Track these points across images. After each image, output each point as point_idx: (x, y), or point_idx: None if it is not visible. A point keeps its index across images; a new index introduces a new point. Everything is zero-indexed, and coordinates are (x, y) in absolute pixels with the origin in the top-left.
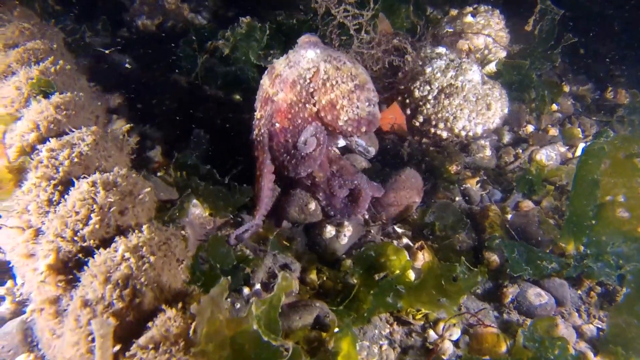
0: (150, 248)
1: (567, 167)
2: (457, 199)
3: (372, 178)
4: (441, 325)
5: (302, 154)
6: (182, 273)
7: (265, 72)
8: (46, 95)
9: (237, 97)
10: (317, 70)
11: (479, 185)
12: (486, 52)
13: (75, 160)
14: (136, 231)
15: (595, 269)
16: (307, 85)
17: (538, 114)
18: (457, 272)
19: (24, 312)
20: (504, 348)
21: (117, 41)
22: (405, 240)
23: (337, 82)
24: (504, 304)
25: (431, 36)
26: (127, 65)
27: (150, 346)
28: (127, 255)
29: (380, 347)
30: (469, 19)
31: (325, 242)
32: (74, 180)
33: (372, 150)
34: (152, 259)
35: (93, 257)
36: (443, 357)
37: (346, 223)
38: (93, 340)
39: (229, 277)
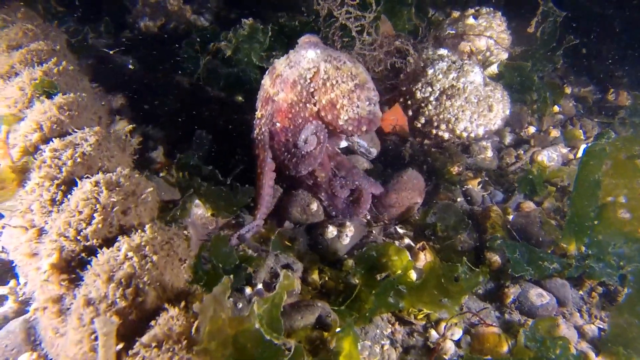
0: (153, 247)
1: (569, 168)
2: (458, 199)
3: (374, 179)
4: (443, 325)
5: (303, 152)
6: (185, 272)
7: (266, 72)
8: (49, 96)
9: (240, 98)
10: (318, 70)
11: (480, 186)
12: (488, 53)
13: (78, 160)
14: (139, 231)
15: (596, 269)
16: (308, 85)
17: (540, 115)
18: (458, 273)
19: (27, 311)
20: (505, 348)
21: (121, 42)
22: (406, 241)
23: (337, 81)
24: (506, 304)
25: (433, 38)
26: (130, 66)
27: (153, 344)
28: (130, 254)
29: (382, 346)
30: (470, 20)
31: (327, 242)
32: (77, 180)
33: (374, 152)
34: (154, 258)
35: (96, 257)
36: (444, 356)
37: (348, 223)
38: (96, 338)
39: (232, 277)
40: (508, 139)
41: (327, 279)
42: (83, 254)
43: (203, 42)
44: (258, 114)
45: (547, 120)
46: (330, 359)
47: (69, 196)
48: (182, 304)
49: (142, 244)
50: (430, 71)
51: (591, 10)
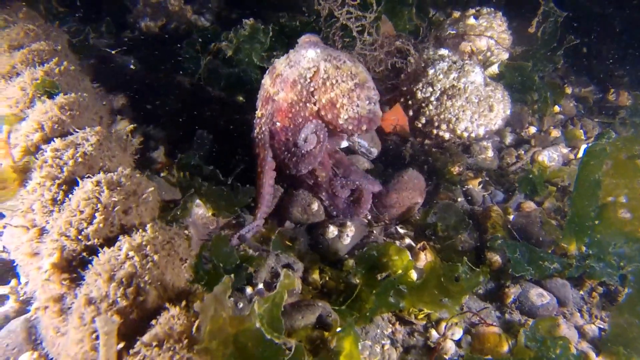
0: (154, 247)
1: (569, 168)
2: (459, 199)
3: (375, 179)
4: (443, 325)
5: (303, 151)
6: (186, 272)
7: (267, 71)
8: (50, 96)
9: (241, 98)
10: (318, 70)
11: (481, 186)
12: (488, 54)
13: (80, 160)
14: (140, 230)
15: (597, 269)
16: (308, 84)
17: (540, 115)
18: (459, 272)
19: (28, 311)
20: (505, 348)
21: (122, 42)
22: (407, 241)
23: (337, 81)
24: (506, 304)
25: (434, 38)
26: (131, 67)
27: (154, 343)
28: (131, 254)
29: (383, 346)
30: (471, 21)
31: (328, 242)
32: (78, 179)
33: (375, 152)
34: (155, 257)
35: (97, 256)
36: (445, 356)
37: (349, 223)
38: (97, 337)
39: (232, 276)
40: (509, 139)
41: (327, 278)
42: (84, 254)
43: (204, 42)
44: (258, 113)
45: (548, 120)
46: (330, 359)
47: (70, 196)
48: (183, 303)
49: (143, 243)
50: (431, 71)
51: (591, 10)
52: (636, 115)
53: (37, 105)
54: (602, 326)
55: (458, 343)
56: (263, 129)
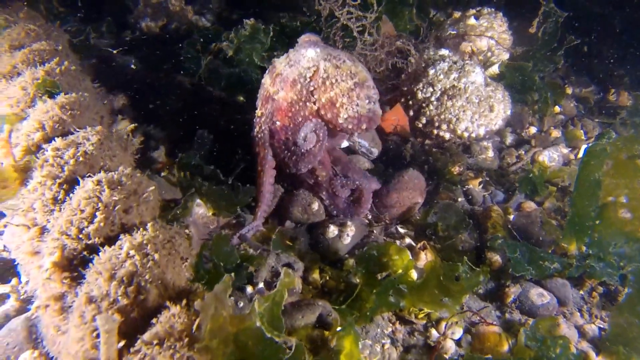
0: (155, 246)
1: (570, 168)
2: (459, 199)
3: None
4: (443, 324)
5: (302, 150)
6: (186, 271)
7: (267, 71)
8: (51, 96)
9: (241, 98)
10: (317, 69)
11: (481, 186)
12: (489, 54)
13: (81, 159)
14: (141, 229)
15: (597, 269)
16: (308, 83)
17: (541, 115)
18: (459, 272)
19: (29, 310)
20: (505, 347)
21: (123, 42)
22: (407, 240)
23: (336, 80)
24: (506, 303)
25: (434, 38)
26: (132, 66)
27: (155, 342)
28: (132, 252)
29: (383, 345)
30: (472, 21)
31: (328, 241)
32: (79, 179)
33: (375, 151)
34: (156, 256)
35: (98, 255)
36: (445, 355)
37: (349, 223)
38: (98, 336)
39: (233, 275)
40: (509, 139)
41: (328, 278)
42: (85, 252)
43: (205, 43)
44: (258, 112)
45: (548, 121)
46: (331, 358)
47: (71, 195)
48: (184, 302)
49: (144, 242)
50: (431, 71)
51: (591, 10)
52: (636, 115)
53: (38, 105)
54: (602, 326)
55: (458, 342)
56: (263, 127)
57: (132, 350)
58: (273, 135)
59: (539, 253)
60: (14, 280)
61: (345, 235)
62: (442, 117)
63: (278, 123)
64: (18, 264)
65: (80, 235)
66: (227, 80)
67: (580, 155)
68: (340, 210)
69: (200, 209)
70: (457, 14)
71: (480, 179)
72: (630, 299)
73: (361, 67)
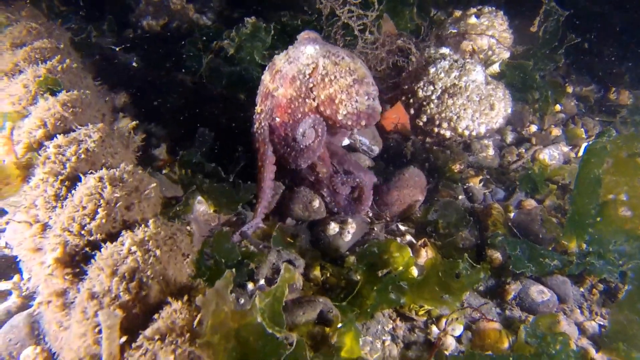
0: (157, 242)
1: (570, 167)
2: (460, 197)
3: (376, 177)
4: (444, 321)
5: (301, 146)
6: (188, 267)
7: (266, 67)
8: (53, 93)
9: (242, 96)
10: (316, 66)
11: (482, 184)
12: (490, 52)
13: (82, 156)
14: (142, 226)
15: (597, 266)
16: (307, 80)
17: (541, 114)
18: (459, 269)
19: (31, 306)
20: (506, 344)
21: (124, 40)
22: (408, 238)
23: (335, 77)
24: (507, 300)
25: (435, 37)
26: (134, 64)
27: (157, 337)
28: (133, 248)
29: (383, 342)
30: (472, 20)
31: (329, 239)
32: (81, 176)
33: (376, 149)
34: (158, 252)
35: (100, 251)
36: (445, 352)
37: (350, 220)
38: (100, 331)
39: (234, 271)
40: (510, 137)
41: (329, 275)
42: (87, 249)
43: (206, 41)
44: (258, 108)
45: (549, 119)
46: (331, 354)
47: (72, 192)
48: (185, 297)
49: (146, 238)
50: (432, 70)
51: (591, 9)
52: (637, 113)
53: (39, 102)
54: (602, 323)
55: (458, 339)
56: (263, 124)
57: (134, 345)
58: (273, 132)
59: (540, 250)
60: (16, 277)
61: (346, 233)
62: (443, 115)
63: (277, 119)
64: (20, 260)
65: (82, 232)
66: (228, 78)
67: (581, 153)
68: (341, 208)
69: (202, 206)
70: (457, 13)
71: (480, 177)
72: (630, 296)
73: (360, 63)
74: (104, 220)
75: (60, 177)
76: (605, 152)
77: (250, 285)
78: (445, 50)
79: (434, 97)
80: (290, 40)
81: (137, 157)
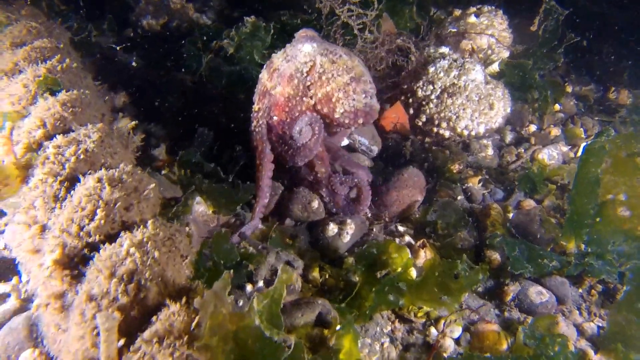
0: (155, 243)
1: (569, 166)
2: (459, 197)
3: (375, 177)
4: (442, 322)
5: (298, 144)
6: (186, 269)
7: (264, 66)
8: (53, 93)
9: (242, 96)
10: (314, 64)
11: (481, 184)
12: (489, 52)
13: (82, 157)
14: (141, 227)
15: (596, 267)
16: (304, 78)
17: (540, 113)
18: (458, 270)
19: (29, 309)
20: (504, 346)
21: (124, 39)
22: (407, 238)
23: (332, 75)
24: (505, 302)
25: (434, 36)
26: (133, 64)
27: (155, 340)
28: (132, 250)
29: (382, 344)
30: (472, 19)
31: (328, 239)
32: (80, 176)
33: (375, 149)
34: (156, 254)
35: (98, 252)
36: (444, 354)
37: (349, 221)
38: (98, 334)
39: (232, 272)
40: (509, 137)
41: (327, 276)
42: (86, 250)
43: (206, 40)
44: (255, 107)
45: (548, 119)
46: (330, 357)
47: (72, 192)
48: (184, 299)
49: (144, 240)
50: (431, 69)
51: (591, 9)
52: (636, 113)
53: (39, 102)
54: (600, 324)
55: (457, 341)
56: (260, 122)
57: (132, 348)
58: (270, 130)
59: (538, 251)
60: (15, 279)
61: (345, 234)
62: (442, 115)
63: (275, 118)
64: (19, 262)
65: (81, 233)
66: (227, 78)
67: (580, 153)
68: (340, 208)
69: (201, 207)
70: (457, 12)
71: (479, 177)
72: (628, 297)
73: (358, 61)
74: (102, 222)
75: (59, 178)
76: (603, 151)
77: (248, 287)
78: (444, 49)
79: (433, 96)
80: (289, 39)
81: (137, 157)
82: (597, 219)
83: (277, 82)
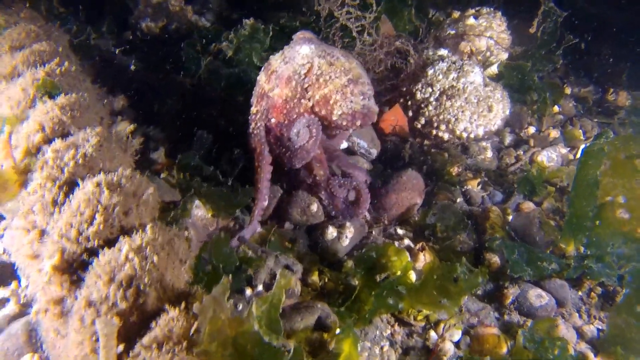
0: (154, 248)
1: (568, 169)
2: (458, 200)
3: (374, 179)
4: (442, 326)
5: (296, 146)
6: (185, 273)
7: (262, 68)
8: (52, 97)
9: (240, 98)
10: (311, 66)
11: (480, 186)
12: (488, 54)
13: (80, 161)
14: (140, 231)
15: (595, 269)
16: (302, 80)
17: (539, 115)
18: (457, 273)
19: (29, 314)
20: (504, 349)
21: (123, 42)
22: (406, 242)
23: (330, 77)
24: (505, 305)
25: (433, 38)
26: (132, 67)
27: (154, 346)
28: (131, 255)
29: (382, 348)
30: (471, 21)
31: (327, 243)
32: (79, 181)
33: (374, 152)
34: (155, 259)
35: (97, 258)
36: (444, 357)
37: (348, 224)
38: (97, 340)
39: (230, 278)
40: (508, 139)
41: (327, 280)
42: (84, 255)
43: (205, 43)
44: (253, 109)
45: (547, 121)
46: None
47: (70, 197)
48: (183, 305)
49: (143, 244)
50: (430, 71)
51: (589, 10)
52: (635, 114)
53: (38, 106)
54: (600, 327)
55: (457, 344)
56: (258, 124)
57: (131, 354)
58: (268, 132)
59: (537, 254)
60: (14, 284)
61: (344, 237)
62: (441, 117)
63: (273, 120)
64: (18, 267)
65: (80, 238)
66: (226, 80)
67: (579, 155)
68: (339, 211)
69: (200, 211)
70: (456, 14)
71: (478, 180)
72: (628, 300)
73: (355, 63)
74: (101, 226)
75: (58, 183)
76: (602, 154)
77: (248, 291)
78: (443, 51)
79: (432, 99)
80: (288, 42)
81: (135, 160)
82: (596, 222)
83: (275, 84)
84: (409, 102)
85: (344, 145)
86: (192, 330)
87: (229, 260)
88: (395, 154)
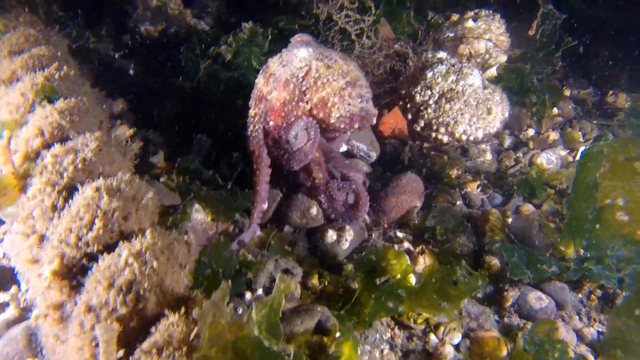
0: (154, 253)
1: (568, 171)
2: (457, 203)
3: (373, 182)
4: (442, 329)
5: (294, 148)
6: (185, 278)
7: (260, 71)
8: (51, 101)
9: (239, 102)
10: (309, 69)
11: (479, 189)
12: (487, 56)
13: (79, 166)
14: (139, 236)
15: (595, 272)
16: (300, 83)
17: (539, 118)
18: (457, 276)
19: (29, 318)
20: (504, 352)
21: (122, 46)
22: (406, 245)
23: (328, 80)
24: (505, 307)
25: (432, 41)
26: (131, 71)
27: (154, 351)
28: (130, 260)
29: (382, 351)
30: (470, 23)
31: (327, 246)
32: (78, 185)
33: (374, 155)
34: (155, 264)
35: (97, 263)
36: None
37: (347, 227)
38: (97, 345)
39: (230, 282)
40: (507, 141)
41: (326, 283)
42: (84, 260)
43: (204, 47)
44: (252, 112)
45: (547, 123)
46: None
47: (70, 202)
48: (182, 309)
49: (143, 249)
50: (429, 74)
51: (587, 12)
52: (634, 117)
53: (37, 111)
54: (600, 329)
55: (457, 347)
56: (257, 127)
57: (131, 359)
58: (267, 135)
59: (537, 256)
60: (14, 289)
61: (343, 240)
62: (440, 120)
63: (271, 123)
64: (18, 272)
65: (79, 243)
66: (225, 84)
67: (578, 157)
68: (339, 214)
69: (199, 215)
70: (455, 17)
71: (478, 182)
72: (628, 302)
73: (353, 66)
74: (101, 231)
75: (57, 187)
76: (602, 156)
77: (248, 295)
78: (442, 54)
79: (431, 101)
80: (287, 45)
81: (135, 164)
82: (596, 224)
83: (273, 87)
84: (408, 105)
85: (344, 148)
86: (192, 335)
87: (228, 264)
88: (394, 157)
